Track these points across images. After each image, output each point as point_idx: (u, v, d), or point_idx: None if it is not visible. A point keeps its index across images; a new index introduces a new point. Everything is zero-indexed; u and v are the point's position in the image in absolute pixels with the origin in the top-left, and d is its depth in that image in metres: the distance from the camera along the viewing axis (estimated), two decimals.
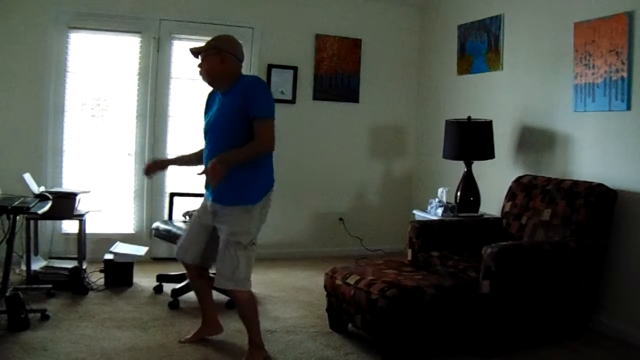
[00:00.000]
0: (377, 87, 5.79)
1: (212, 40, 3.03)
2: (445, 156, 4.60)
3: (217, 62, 2.96)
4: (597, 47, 3.79)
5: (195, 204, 4.29)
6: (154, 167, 3.32)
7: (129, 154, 5.13)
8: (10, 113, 4.72)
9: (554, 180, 3.91)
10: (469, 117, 4.49)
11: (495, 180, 4.60)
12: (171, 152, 5.08)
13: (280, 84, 5.41)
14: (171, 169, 5.06)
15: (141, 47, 5.05)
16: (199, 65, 3.02)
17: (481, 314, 3.19)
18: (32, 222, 4.24)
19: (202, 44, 3.05)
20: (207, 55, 2.98)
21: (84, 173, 4.98)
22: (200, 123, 3.16)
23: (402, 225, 5.20)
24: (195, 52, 3.04)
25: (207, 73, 3.00)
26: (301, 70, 5.50)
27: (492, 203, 4.55)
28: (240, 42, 3.10)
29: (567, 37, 4.03)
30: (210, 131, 3.03)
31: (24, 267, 4.20)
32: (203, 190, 3.17)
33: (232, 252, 2.91)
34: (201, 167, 3.08)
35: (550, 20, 4.24)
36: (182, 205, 4.54)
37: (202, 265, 3.24)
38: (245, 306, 3.02)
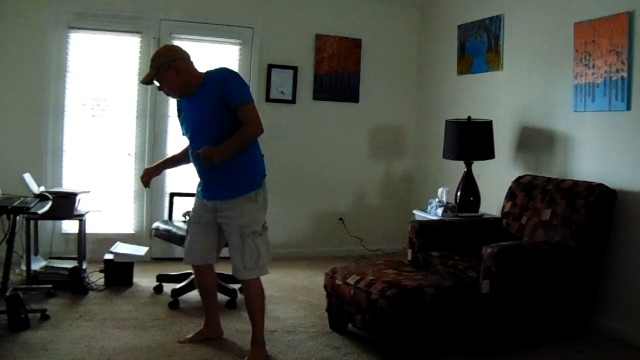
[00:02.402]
0: (377, 87, 5.79)
1: (154, 61, 2.99)
2: (445, 156, 4.60)
3: (173, 75, 2.95)
4: (597, 47, 3.79)
5: None
6: (149, 175, 3.32)
7: (129, 154, 5.13)
8: (10, 113, 4.72)
9: (554, 180, 3.91)
10: (469, 117, 4.49)
11: (495, 180, 4.60)
12: (171, 152, 5.06)
13: (280, 84, 5.41)
14: (171, 169, 5.12)
15: (141, 47, 5.05)
16: (160, 89, 3.02)
17: (481, 314, 3.19)
18: (32, 222, 4.24)
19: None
20: (161, 76, 2.96)
21: (84, 173, 4.98)
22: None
23: (402, 225, 5.21)
24: (148, 81, 3.01)
25: (172, 90, 3.01)
26: (301, 70, 5.50)
27: (492, 203, 4.55)
28: (175, 45, 3.09)
29: (567, 37, 4.03)
30: (193, 132, 3.04)
31: (24, 267, 4.20)
32: (198, 182, 3.16)
33: (250, 243, 2.94)
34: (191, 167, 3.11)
35: (550, 20, 4.24)
36: (182, 205, 4.53)
37: (211, 262, 3.25)
38: (259, 296, 3.05)
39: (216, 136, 2.90)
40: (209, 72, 3.03)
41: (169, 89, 3.01)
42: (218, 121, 2.91)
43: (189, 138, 3.10)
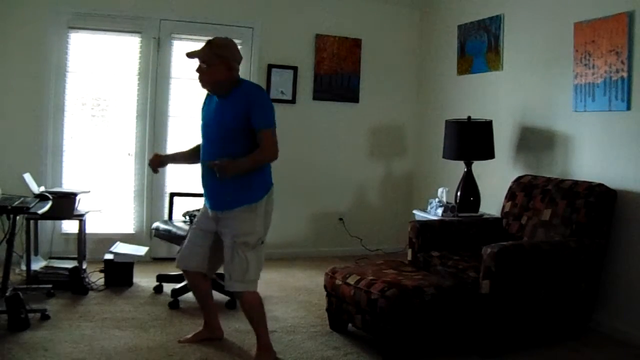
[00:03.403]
0: (377, 87, 5.79)
1: (215, 47, 2.93)
2: (445, 156, 4.60)
3: (224, 71, 2.92)
4: (597, 47, 3.79)
5: (195, 204, 4.31)
6: (159, 162, 3.27)
7: (129, 154, 5.13)
8: (10, 113, 4.72)
9: (554, 180, 3.91)
10: (469, 117, 4.49)
11: (495, 180, 4.60)
12: (171, 152, 5.06)
13: (280, 84, 5.41)
14: (171, 169, 5.13)
15: (141, 47, 5.05)
16: (200, 70, 2.94)
17: (481, 314, 3.19)
18: (32, 222, 4.24)
19: (199, 46, 2.98)
20: (213, 64, 2.91)
21: (84, 173, 4.97)
22: (198, 122, 3.15)
23: (402, 225, 5.20)
24: (196, 56, 2.94)
25: (212, 82, 2.95)
26: (301, 70, 5.50)
27: (492, 203, 4.55)
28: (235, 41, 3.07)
29: (567, 37, 4.03)
30: (209, 134, 3.02)
31: (24, 267, 4.20)
32: (203, 190, 3.18)
33: (240, 254, 2.91)
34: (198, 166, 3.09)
35: (550, 20, 4.24)
36: (182, 205, 4.54)
37: (206, 272, 3.22)
38: (254, 308, 3.03)
39: (228, 146, 2.90)
40: (243, 82, 3.02)
41: (208, 79, 2.95)
42: (234, 133, 2.90)
43: (204, 134, 3.07)
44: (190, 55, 2.98)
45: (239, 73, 3.05)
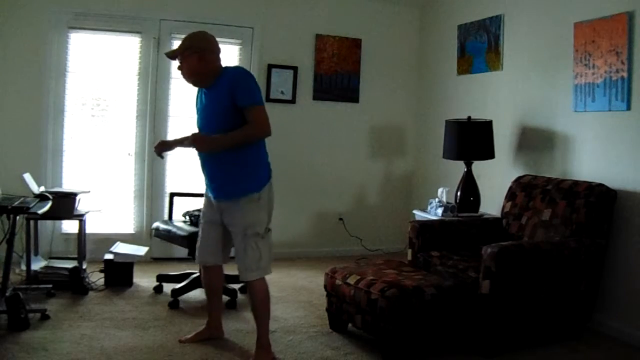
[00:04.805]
0: (377, 87, 5.79)
1: (185, 40, 3.02)
2: (445, 156, 4.60)
3: (196, 61, 2.96)
4: (597, 47, 3.79)
5: (195, 204, 4.31)
6: (165, 147, 3.30)
7: (129, 154, 5.13)
8: (10, 113, 4.72)
9: (554, 180, 3.91)
10: (469, 117, 4.49)
11: (495, 180, 4.60)
12: (171, 153, 5.07)
13: (280, 84, 5.41)
14: (171, 169, 5.14)
15: (141, 47, 5.05)
16: (179, 68, 3.03)
17: (481, 314, 3.19)
18: (32, 222, 4.24)
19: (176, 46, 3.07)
20: (185, 57, 2.97)
21: (84, 173, 4.97)
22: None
23: (402, 225, 5.21)
24: (171, 55, 3.05)
25: (189, 74, 3.01)
26: (301, 70, 5.49)
27: (492, 203, 4.55)
28: (212, 35, 3.09)
29: (567, 37, 4.03)
30: (204, 126, 3.06)
31: (24, 267, 4.20)
32: (203, 190, 3.20)
33: (252, 244, 2.96)
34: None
35: (550, 20, 4.24)
36: (182, 205, 4.54)
37: (222, 261, 3.26)
38: (263, 296, 3.06)
39: (222, 133, 2.91)
40: (225, 69, 3.05)
41: (186, 72, 3.01)
42: (225, 119, 2.92)
43: (199, 129, 3.11)
44: (169, 55, 3.07)
45: (220, 64, 3.06)
